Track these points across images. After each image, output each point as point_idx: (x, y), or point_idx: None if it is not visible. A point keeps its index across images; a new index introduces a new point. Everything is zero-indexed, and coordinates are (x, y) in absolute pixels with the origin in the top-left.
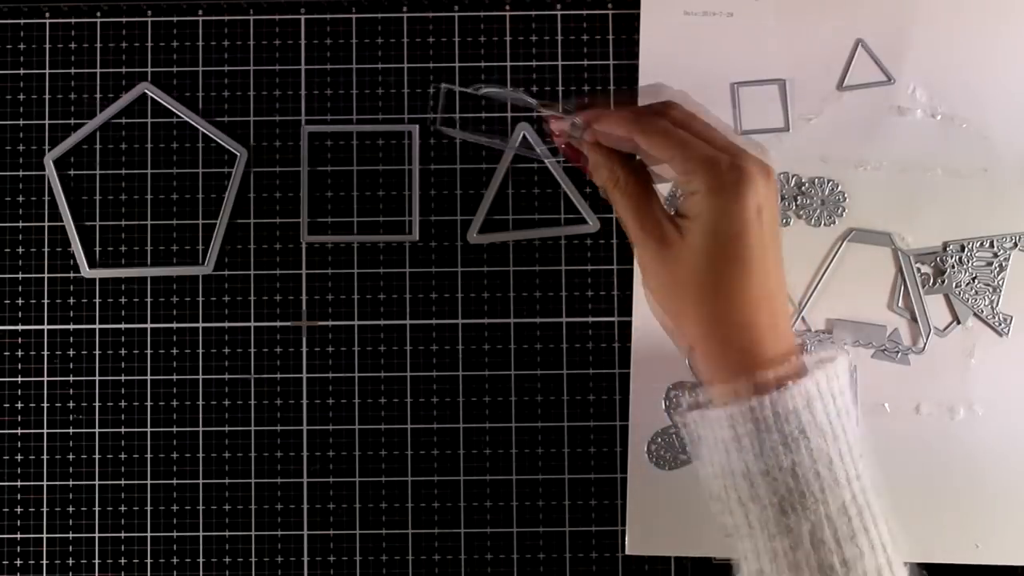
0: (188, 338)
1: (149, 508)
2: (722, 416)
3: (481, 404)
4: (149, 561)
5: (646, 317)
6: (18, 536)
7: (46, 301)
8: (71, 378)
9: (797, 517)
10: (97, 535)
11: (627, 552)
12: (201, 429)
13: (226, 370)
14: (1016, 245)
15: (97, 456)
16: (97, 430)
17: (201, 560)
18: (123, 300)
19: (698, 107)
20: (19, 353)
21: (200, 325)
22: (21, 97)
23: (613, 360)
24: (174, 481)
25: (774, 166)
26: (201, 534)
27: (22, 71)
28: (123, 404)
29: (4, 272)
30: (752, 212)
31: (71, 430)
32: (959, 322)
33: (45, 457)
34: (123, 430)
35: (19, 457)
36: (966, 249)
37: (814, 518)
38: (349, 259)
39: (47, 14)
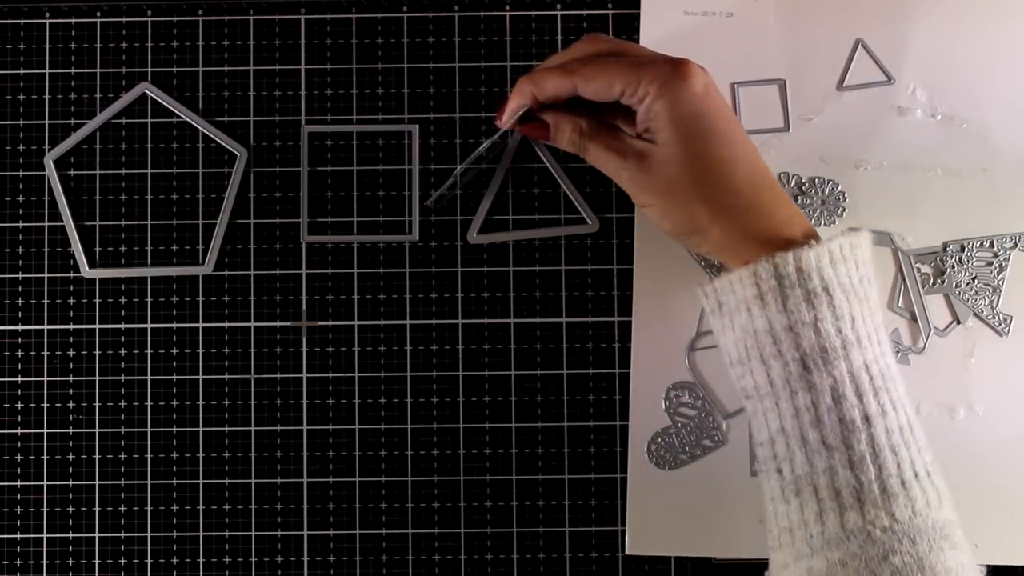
0: (188, 338)
1: (149, 508)
2: (745, 274)
3: (481, 404)
4: (149, 561)
5: (646, 317)
6: (18, 536)
7: (46, 301)
8: (71, 378)
9: (819, 372)
10: (97, 535)
11: (627, 552)
12: (201, 429)
13: (226, 370)
14: (1016, 245)
15: (97, 456)
16: (97, 430)
17: (201, 560)
18: (123, 300)
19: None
20: (19, 353)
21: (200, 325)
22: (21, 97)
23: (613, 360)
24: (174, 481)
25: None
26: (201, 534)
27: (22, 71)
28: (123, 404)
29: (4, 272)
30: (701, 89)
31: (71, 430)
32: (959, 322)
33: (45, 457)
34: (123, 430)
35: (19, 457)
36: (966, 249)
37: (836, 373)
38: (349, 259)
39: (47, 14)
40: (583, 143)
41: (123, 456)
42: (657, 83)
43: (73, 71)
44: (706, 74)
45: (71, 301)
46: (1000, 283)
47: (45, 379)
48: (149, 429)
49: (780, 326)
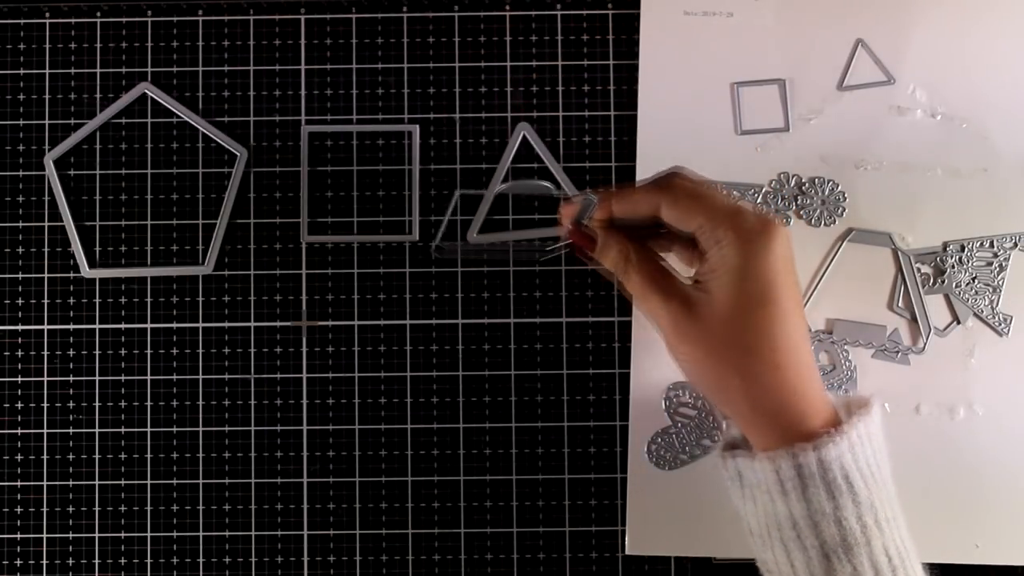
0: (188, 338)
1: (149, 508)
2: (767, 465)
3: (481, 404)
4: (149, 561)
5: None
6: (18, 536)
7: (46, 301)
8: (71, 378)
9: (840, 563)
10: (97, 535)
11: (627, 552)
12: (201, 429)
13: (226, 370)
14: (1016, 245)
15: (97, 456)
16: (97, 430)
17: (201, 560)
18: (123, 300)
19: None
20: (19, 353)
21: (200, 325)
22: (21, 97)
23: (613, 360)
24: (174, 481)
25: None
26: (201, 534)
27: (22, 71)
28: (123, 404)
29: (4, 272)
30: (780, 259)
31: (71, 430)
32: (959, 322)
33: (45, 457)
34: (123, 430)
35: (19, 457)
36: (966, 249)
37: (856, 562)
38: (349, 259)
39: (47, 14)
40: (628, 268)
41: (123, 456)
42: (742, 231)
43: (73, 71)
44: (789, 241)
45: (71, 301)
46: (1000, 283)
47: (45, 379)
48: (149, 429)
49: (800, 515)
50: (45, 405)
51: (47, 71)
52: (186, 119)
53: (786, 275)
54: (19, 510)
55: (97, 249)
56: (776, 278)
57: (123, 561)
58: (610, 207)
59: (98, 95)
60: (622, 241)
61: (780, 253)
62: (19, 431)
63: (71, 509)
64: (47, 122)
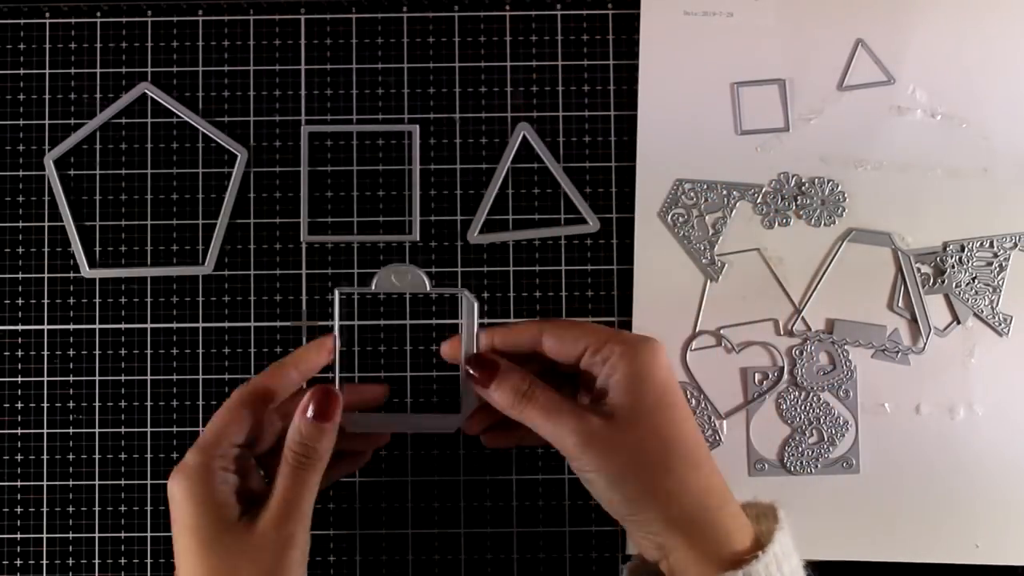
0: (188, 338)
1: (149, 508)
2: None
3: None
4: (149, 561)
5: (646, 317)
6: (18, 536)
7: (46, 301)
8: (71, 378)
9: None
10: (97, 535)
11: (627, 552)
12: (201, 429)
13: (226, 370)
14: (1016, 245)
15: (97, 456)
16: (97, 430)
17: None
18: (123, 300)
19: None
20: (19, 353)
21: (200, 325)
22: (21, 97)
23: None
24: None
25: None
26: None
27: (22, 71)
28: (123, 404)
29: (4, 272)
30: (667, 367)
31: (71, 430)
32: (959, 322)
33: (45, 457)
34: (123, 430)
35: (19, 457)
36: (966, 249)
37: None
38: (349, 259)
39: (47, 14)
40: (530, 392)
41: (123, 456)
42: (627, 345)
43: (73, 71)
44: (666, 353)
45: (71, 301)
46: (1000, 283)
47: (45, 379)
48: (149, 429)
49: None
50: (45, 405)
51: (47, 71)
52: (186, 119)
53: (675, 380)
54: (19, 510)
55: (97, 249)
56: (669, 382)
57: (123, 561)
58: (492, 340)
59: (98, 95)
60: (519, 369)
61: (665, 362)
62: (19, 431)
63: (71, 509)
64: (47, 122)
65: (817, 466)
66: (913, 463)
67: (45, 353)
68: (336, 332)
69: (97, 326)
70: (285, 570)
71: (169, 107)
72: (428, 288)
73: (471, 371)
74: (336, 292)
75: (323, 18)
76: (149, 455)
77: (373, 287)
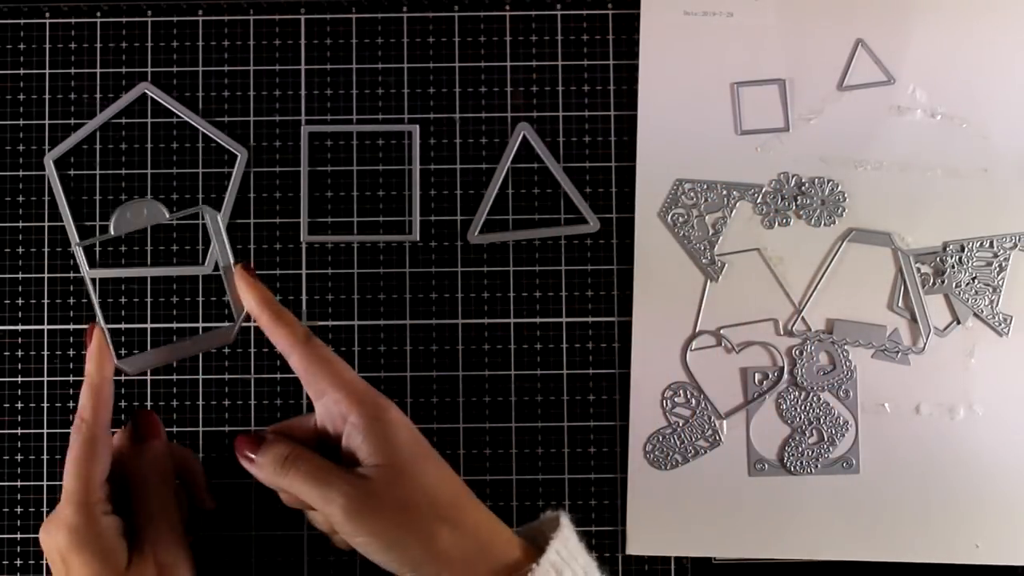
0: (188, 338)
1: None
2: None
3: (481, 404)
4: None
5: (646, 317)
6: (18, 536)
7: (46, 301)
8: (71, 378)
9: None
10: None
11: (627, 552)
12: (201, 429)
13: (226, 370)
14: (1016, 245)
15: None
16: None
17: (201, 560)
18: (123, 300)
19: None
20: (19, 353)
21: (200, 325)
22: (21, 97)
23: (613, 360)
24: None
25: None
26: (201, 534)
27: (22, 71)
28: (123, 404)
29: (4, 272)
30: (406, 423)
31: (71, 430)
32: (959, 322)
33: (45, 457)
34: None
35: (19, 457)
36: (966, 249)
37: None
38: (349, 259)
39: (47, 14)
40: (293, 458)
41: None
42: (362, 409)
43: (73, 71)
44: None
45: (71, 301)
46: (1000, 283)
47: (45, 379)
48: None
49: None
50: (45, 405)
51: (47, 71)
52: (186, 119)
53: (419, 433)
54: (19, 510)
55: (97, 249)
56: (413, 435)
57: None
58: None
59: (98, 95)
60: (284, 440)
61: (403, 418)
62: (19, 431)
63: None
64: (47, 122)
65: (817, 466)
66: (913, 463)
67: (45, 353)
68: (97, 308)
69: None
70: None
71: (169, 107)
72: (168, 217)
73: (237, 444)
74: (78, 248)
75: (323, 18)
76: None
77: (112, 230)
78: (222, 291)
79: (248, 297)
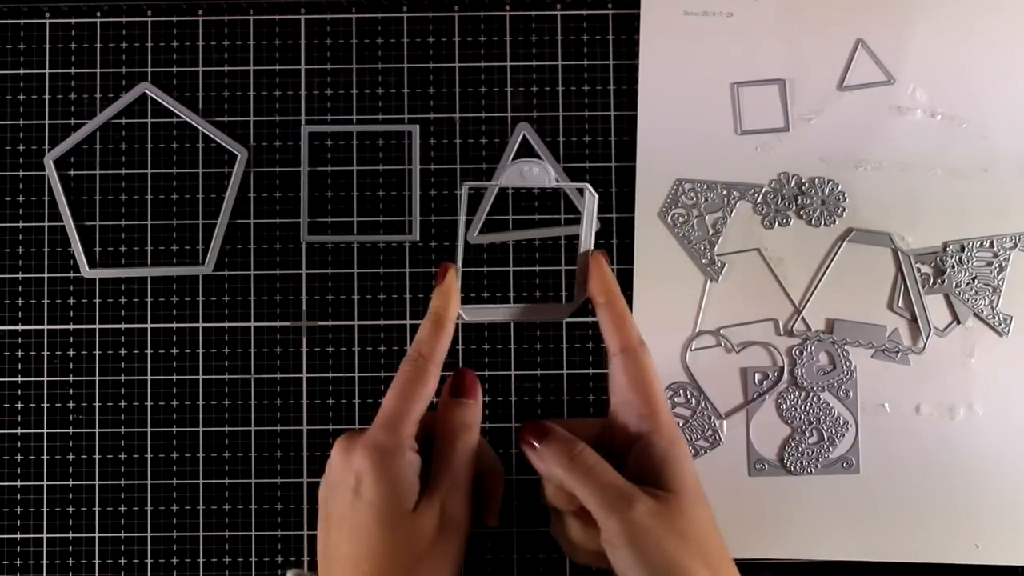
0: (188, 338)
1: (149, 508)
2: None
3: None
4: (149, 561)
5: (646, 317)
6: (18, 536)
7: (46, 301)
8: (71, 378)
9: None
10: (97, 535)
11: None
12: (201, 429)
13: (226, 370)
14: (1016, 245)
15: (97, 456)
16: (97, 430)
17: (201, 560)
18: (123, 300)
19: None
20: (19, 353)
21: (200, 325)
22: (21, 97)
23: None
24: (174, 481)
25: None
26: (201, 534)
27: (22, 71)
28: (123, 404)
29: (4, 272)
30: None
31: (71, 430)
32: (959, 322)
33: (45, 457)
34: (123, 430)
35: (19, 457)
36: (966, 249)
37: None
38: (349, 259)
39: (47, 14)
40: (576, 461)
41: (123, 456)
42: (670, 426)
43: (73, 71)
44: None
45: (71, 301)
46: (1000, 283)
47: (45, 379)
48: (149, 429)
49: None
50: (45, 405)
51: (47, 71)
52: (186, 119)
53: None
54: (19, 510)
55: (97, 249)
56: (697, 476)
57: (123, 561)
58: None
59: (98, 95)
60: (572, 436)
61: (691, 458)
62: (19, 431)
63: (71, 509)
64: (47, 122)
65: (817, 466)
66: (913, 463)
67: (45, 353)
68: (460, 253)
69: (97, 326)
70: (453, 548)
71: (169, 107)
72: (553, 182)
73: (523, 429)
74: (465, 186)
75: (323, 18)
76: (149, 455)
77: (501, 181)
78: (222, 291)
79: (597, 284)
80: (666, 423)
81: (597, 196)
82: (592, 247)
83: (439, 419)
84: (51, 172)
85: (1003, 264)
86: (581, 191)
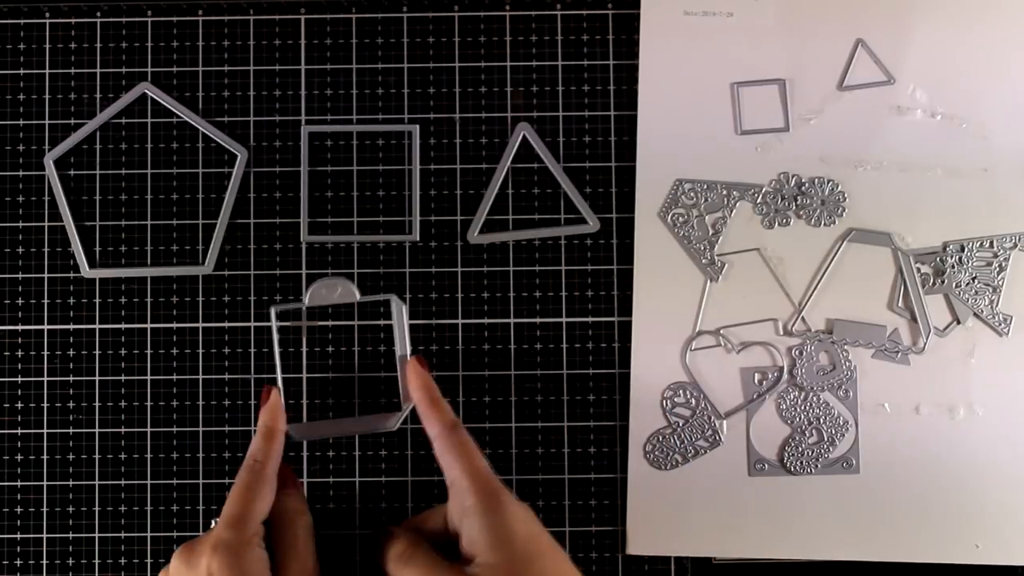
0: (188, 338)
1: (149, 508)
2: None
3: (481, 404)
4: (149, 561)
5: (646, 317)
6: (18, 536)
7: (46, 301)
8: (71, 378)
9: None
10: (97, 535)
11: (627, 552)
12: (201, 429)
13: (226, 370)
14: (1016, 245)
15: (97, 456)
16: (97, 430)
17: None
18: (123, 300)
19: None
20: (19, 353)
21: (200, 325)
22: (21, 97)
23: (613, 360)
24: (174, 481)
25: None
26: (201, 534)
27: (22, 71)
28: (123, 404)
29: (4, 272)
30: (525, 516)
31: (71, 430)
32: (959, 322)
33: (45, 457)
34: (123, 430)
35: (19, 457)
36: (966, 249)
37: None
38: (349, 259)
39: (47, 14)
40: (408, 554)
41: (123, 456)
42: (478, 499)
43: (73, 71)
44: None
45: (71, 301)
46: (1000, 283)
47: (45, 379)
48: (149, 429)
49: None
50: (45, 405)
51: (47, 71)
52: (186, 119)
53: (540, 528)
54: (19, 510)
55: (97, 249)
56: (532, 531)
57: (123, 561)
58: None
59: (98, 95)
60: (406, 535)
61: (522, 512)
62: (19, 431)
63: (71, 509)
64: (47, 122)
65: (817, 466)
66: (913, 463)
67: (45, 353)
68: (278, 367)
69: (97, 326)
70: None
71: (169, 107)
72: (358, 298)
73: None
74: (273, 310)
75: (323, 18)
76: (149, 455)
77: (306, 302)
78: (222, 291)
79: (413, 381)
80: (481, 487)
81: (404, 304)
82: (408, 352)
83: (273, 512)
84: (51, 172)
85: (1003, 264)
86: (388, 303)
